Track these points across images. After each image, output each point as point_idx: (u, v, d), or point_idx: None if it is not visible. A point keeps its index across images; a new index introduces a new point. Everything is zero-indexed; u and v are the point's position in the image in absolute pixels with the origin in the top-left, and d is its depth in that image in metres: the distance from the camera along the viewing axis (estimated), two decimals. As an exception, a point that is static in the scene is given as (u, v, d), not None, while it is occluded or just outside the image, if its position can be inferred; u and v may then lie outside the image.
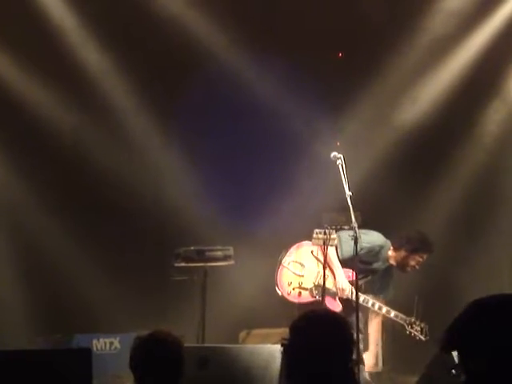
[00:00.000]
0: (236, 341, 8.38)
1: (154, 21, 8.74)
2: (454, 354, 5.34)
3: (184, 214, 8.92)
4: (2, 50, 8.71)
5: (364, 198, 7.13)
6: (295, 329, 3.10)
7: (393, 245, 7.26)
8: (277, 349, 3.08)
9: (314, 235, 6.80)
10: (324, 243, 6.71)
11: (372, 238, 7.19)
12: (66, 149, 8.90)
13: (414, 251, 7.20)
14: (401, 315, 7.04)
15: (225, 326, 8.21)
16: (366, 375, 7.02)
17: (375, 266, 7.26)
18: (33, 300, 8.62)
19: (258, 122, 9.07)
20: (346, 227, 6.67)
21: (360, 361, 6.29)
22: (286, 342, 3.07)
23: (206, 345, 6.97)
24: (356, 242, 6.22)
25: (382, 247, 7.25)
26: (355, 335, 5.66)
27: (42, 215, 8.82)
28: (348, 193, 6.31)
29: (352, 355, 3.07)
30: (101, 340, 8.23)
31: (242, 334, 8.56)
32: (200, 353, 5.63)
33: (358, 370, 6.02)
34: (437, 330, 7.36)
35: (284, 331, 3.13)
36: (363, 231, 6.92)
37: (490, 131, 9.18)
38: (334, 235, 6.78)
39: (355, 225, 6.28)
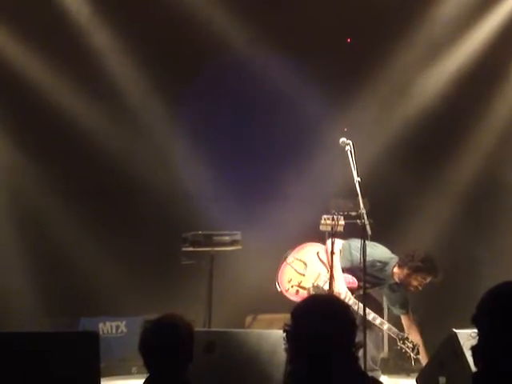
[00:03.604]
0: (242, 325, 8.41)
1: (167, 8, 8.73)
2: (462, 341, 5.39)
3: (193, 198, 8.94)
4: (16, 36, 8.72)
5: (372, 184, 7.09)
6: (296, 314, 3.09)
7: (398, 261, 7.08)
8: (283, 334, 3.07)
9: (322, 221, 6.76)
10: (332, 229, 6.68)
11: (374, 252, 6.93)
12: (76, 134, 8.91)
13: (416, 271, 6.98)
14: (394, 329, 6.90)
15: (231, 310, 8.23)
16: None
17: (380, 281, 7.13)
18: (40, 283, 8.66)
19: (266, 109, 9.10)
20: (355, 239, 6.67)
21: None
22: (288, 328, 3.07)
23: (213, 329, 6.96)
24: (365, 228, 6.21)
25: (385, 264, 7.07)
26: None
27: (51, 200, 8.86)
28: (356, 179, 6.29)
29: (354, 339, 3.07)
30: (107, 323, 8.25)
31: (249, 319, 8.58)
32: (207, 337, 5.63)
33: (365, 353, 6.00)
34: (441, 322, 7.34)
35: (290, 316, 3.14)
36: (371, 243, 6.78)
37: (500, 118, 9.14)
38: (341, 222, 6.72)
39: (363, 211, 6.25)
